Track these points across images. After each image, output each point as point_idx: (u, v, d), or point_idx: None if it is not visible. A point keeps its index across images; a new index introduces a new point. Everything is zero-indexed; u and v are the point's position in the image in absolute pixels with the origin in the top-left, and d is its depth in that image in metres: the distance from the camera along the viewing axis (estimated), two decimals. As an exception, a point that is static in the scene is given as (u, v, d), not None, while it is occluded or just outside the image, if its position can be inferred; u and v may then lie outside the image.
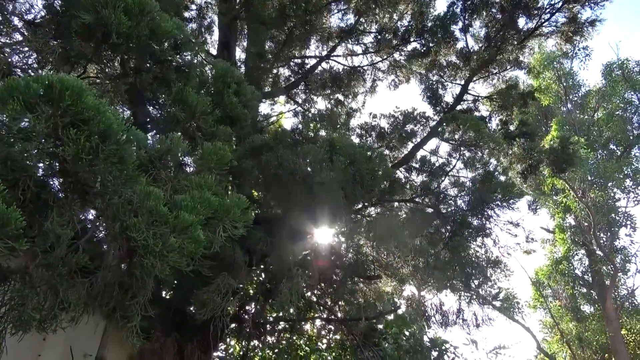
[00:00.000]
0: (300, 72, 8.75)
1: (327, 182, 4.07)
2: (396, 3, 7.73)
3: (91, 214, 2.59)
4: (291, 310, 6.56)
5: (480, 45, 7.69)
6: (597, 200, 14.52)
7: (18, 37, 3.13)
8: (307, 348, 7.58)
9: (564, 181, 14.24)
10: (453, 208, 6.12)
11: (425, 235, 6.06)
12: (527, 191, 7.87)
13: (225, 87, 3.62)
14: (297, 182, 4.19)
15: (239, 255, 4.16)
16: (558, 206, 15.62)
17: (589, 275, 15.28)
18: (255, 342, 7.16)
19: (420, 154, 7.16)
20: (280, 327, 7.25)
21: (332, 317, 6.90)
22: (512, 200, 5.63)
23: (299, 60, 8.69)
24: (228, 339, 7.13)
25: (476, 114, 7.88)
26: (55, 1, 3.15)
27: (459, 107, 7.69)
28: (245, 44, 8.43)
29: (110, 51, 3.04)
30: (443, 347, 7.01)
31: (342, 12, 8.24)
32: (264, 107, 8.86)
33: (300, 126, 6.62)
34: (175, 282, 4.94)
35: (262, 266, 5.55)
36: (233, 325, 5.77)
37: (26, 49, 2.96)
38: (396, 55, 8.42)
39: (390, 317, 7.21)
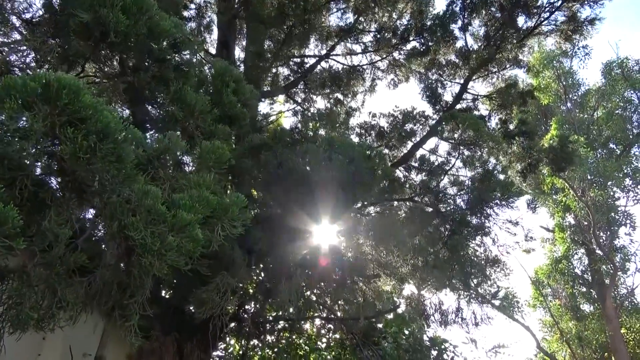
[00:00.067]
0: (300, 71, 8.74)
1: (326, 181, 4.07)
2: (395, 2, 7.72)
3: (89, 213, 2.59)
4: (291, 310, 6.56)
5: (479, 44, 7.68)
6: (596, 199, 14.52)
7: (16, 35, 3.13)
8: (306, 347, 7.59)
9: (563, 180, 14.24)
10: (452, 207, 6.12)
11: (424, 234, 6.06)
12: (527, 190, 7.86)
13: (224, 86, 3.62)
14: (296, 181, 4.20)
15: (238, 255, 4.15)
16: (557, 205, 15.63)
17: (589, 274, 15.29)
18: (255, 341, 7.16)
19: (419, 153, 7.17)
20: (279, 326, 7.26)
21: (332, 316, 6.90)
22: (511, 199, 5.64)
23: (298, 60, 8.68)
24: (227, 338, 7.14)
25: (475, 112, 7.88)
26: (54, 0, 3.14)
27: (458, 106, 7.68)
28: (244, 43, 8.42)
29: (108, 50, 3.03)
30: (442, 346, 7.03)
31: (342, 11, 8.23)
32: (263, 106, 8.86)
33: (299, 125, 6.61)
34: (175, 281, 4.94)
35: (261, 265, 5.55)
36: (232, 324, 5.77)
37: (24, 47, 2.96)
38: (395, 54, 8.41)
39: (390, 316, 7.23)
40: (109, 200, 2.13)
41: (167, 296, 5.48)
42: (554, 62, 16.80)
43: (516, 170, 7.03)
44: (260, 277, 5.77)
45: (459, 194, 6.18)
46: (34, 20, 3.17)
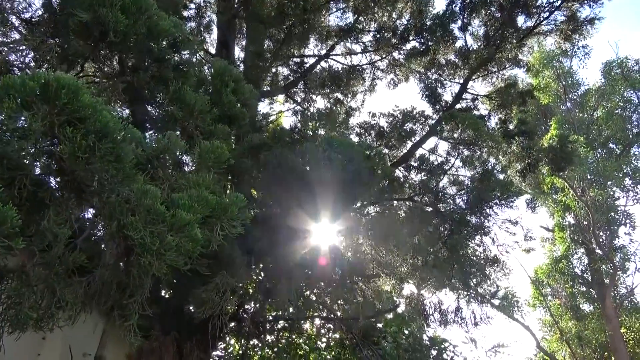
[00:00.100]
0: (299, 71, 8.73)
1: (326, 181, 4.07)
2: (395, 2, 7.72)
3: (88, 213, 2.59)
4: (290, 309, 6.56)
5: (479, 43, 7.68)
6: (596, 199, 14.53)
7: (15, 35, 3.12)
8: (306, 347, 7.58)
9: (563, 180, 14.25)
10: (452, 206, 6.13)
11: (424, 234, 6.07)
12: (526, 190, 7.86)
13: (223, 85, 3.61)
14: (295, 181, 4.19)
15: (237, 254, 4.15)
16: (557, 205, 15.64)
17: (589, 273, 15.30)
18: (255, 341, 7.16)
19: (419, 152, 7.18)
20: (279, 325, 7.25)
21: (331, 315, 6.90)
22: (510, 199, 5.64)
23: (298, 59, 8.68)
24: (227, 338, 7.13)
25: (475, 112, 7.88)
26: (53, -1, 3.14)
27: (458, 106, 7.68)
28: (244, 42, 8.41)
29: (107, 50, 3.03)
30: (442, 346, 7.02)
31: (341, 10, 8.23)
32: (263, 106, 8.85)
33: (299, 125, 6.61)
34: (174, 281, 4.94)
35: (261, 265, 5.55)
36: (232, 324, 5.76)
37: (23, 47, 2.96)
38: (395, 54, 8.41)
39: (390, 315, 7.22)
40: (108, 200, 2.13)
41: (167, 296, 5.48)
42: (554, 61, 16.80)
43: (516, 170, 7.04)
44: (260, 277, 5.77)
45: (458, 193, 6.18)
46: (33, 19, 3.17)
